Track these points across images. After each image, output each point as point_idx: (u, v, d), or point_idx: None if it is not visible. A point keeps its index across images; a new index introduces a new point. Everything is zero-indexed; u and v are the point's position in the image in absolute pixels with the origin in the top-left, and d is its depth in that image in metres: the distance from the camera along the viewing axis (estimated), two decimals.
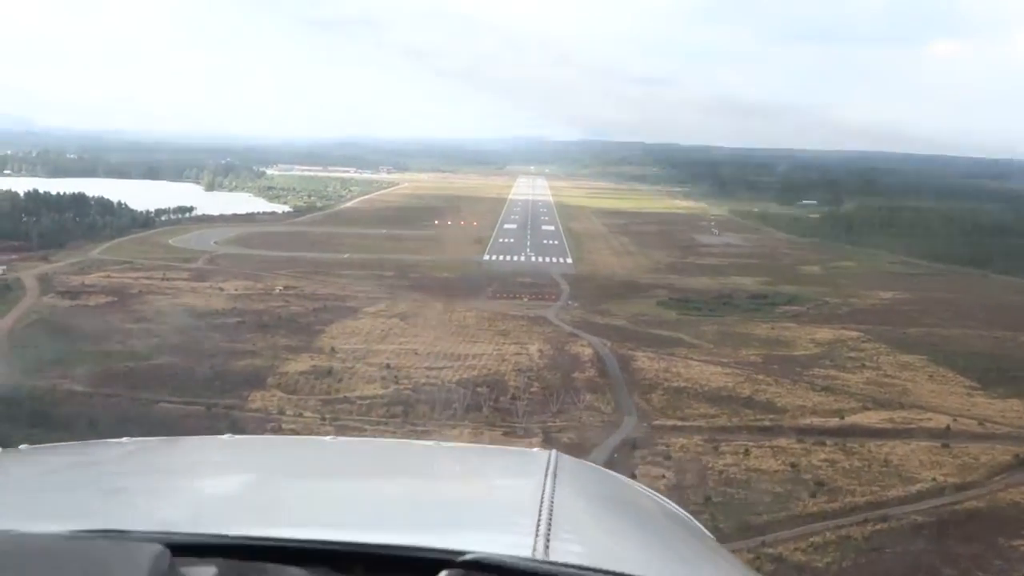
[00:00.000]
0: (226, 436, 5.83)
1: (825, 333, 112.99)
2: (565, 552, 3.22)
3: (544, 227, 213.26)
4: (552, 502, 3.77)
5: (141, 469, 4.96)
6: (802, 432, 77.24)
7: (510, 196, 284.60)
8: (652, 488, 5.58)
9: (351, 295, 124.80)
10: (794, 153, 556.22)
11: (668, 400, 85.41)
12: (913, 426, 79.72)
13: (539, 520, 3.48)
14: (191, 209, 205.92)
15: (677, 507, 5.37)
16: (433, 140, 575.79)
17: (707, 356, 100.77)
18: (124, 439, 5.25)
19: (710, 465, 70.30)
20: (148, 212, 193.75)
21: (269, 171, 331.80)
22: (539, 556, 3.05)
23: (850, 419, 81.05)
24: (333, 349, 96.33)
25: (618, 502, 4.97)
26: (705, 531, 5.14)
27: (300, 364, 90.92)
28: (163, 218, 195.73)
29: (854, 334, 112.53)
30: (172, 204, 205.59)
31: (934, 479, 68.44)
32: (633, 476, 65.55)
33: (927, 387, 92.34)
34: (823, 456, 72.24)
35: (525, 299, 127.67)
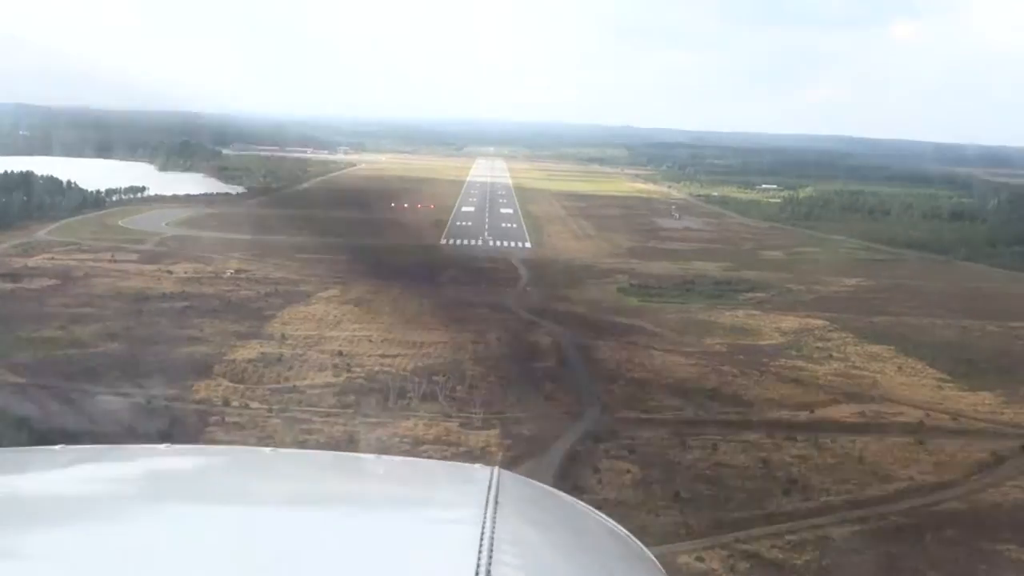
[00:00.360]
0: (163, 446, 5.47)
1: (790, 321, 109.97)
2: None
3: (503, 210, 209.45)
4: (494, 530, 3.69)
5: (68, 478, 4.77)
6: (771, 426, 73.89)
7: (468, 178, 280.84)
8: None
9: (303, 279, 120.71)
10: (756, 137, 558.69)
11: (631, 392, 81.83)
12: (885, 420, 76.66)
13: (480, 553, 3.40)
14: (143, 189, 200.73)
15: (619, 527, 5.09)
16: (393, 120, 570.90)
17: (670, 345, 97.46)
18: (58, 447, 5.10)
19: (677, 460, 66.84)
20: (99, 192, 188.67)
21: (225, 151, 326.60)
22: None
23: (820, 413, 77.88)
24: (284, 336, 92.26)
25: (561, 525, 4.84)
26: (646, 552, 4.94)
27: (249, 351, 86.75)
28: (114, 198, 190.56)
29: (819, 323, 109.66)
30: (124, 184, 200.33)
31: (911, 478, 65.27)
32: (597, 470, 62.38)
33: (897, 379, 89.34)
34: (795, 452, 68.82)
35: (483, 285, 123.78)
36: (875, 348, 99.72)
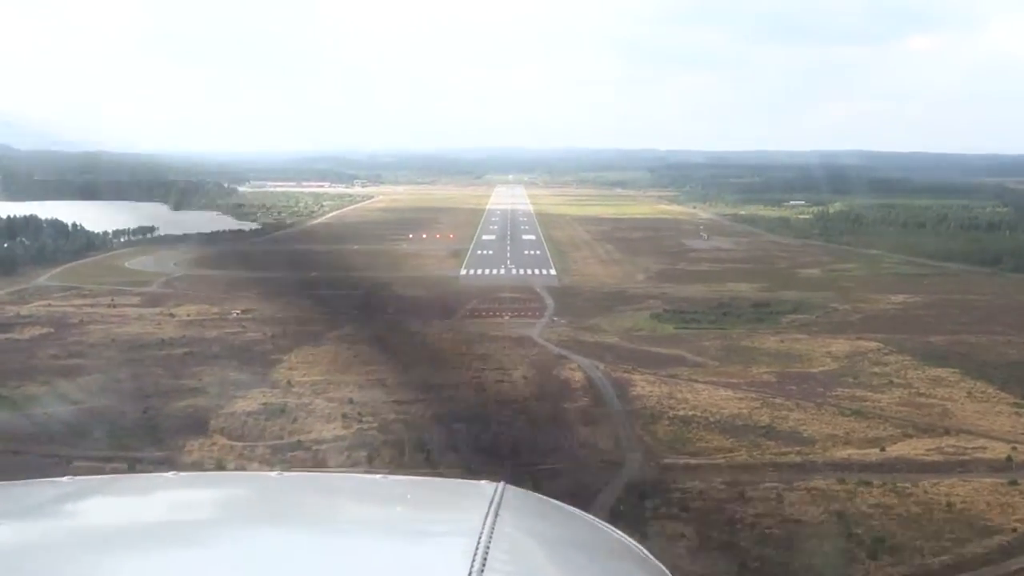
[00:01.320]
0: (170, 474, 5.51)
1: (841, 345, 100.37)
2: None
3: (524, 236, 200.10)
4: (490, 542, 3.74)
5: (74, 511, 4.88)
6: (840, 469, 64.21)
7: (488, 206, 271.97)
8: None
9: (315, 318, 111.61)
10: (774, 155, 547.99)
11: (676, 432, 72.37)
12: (967, 457, 66.76)
13: (473, 560, 3.46)
14: (153, 229, 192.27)
15: (630, 540, 5.09)
16: (410, 152, 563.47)
17: (714, 376, 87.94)
18: (65, 478, 5.19)
19: (738, 517, 57.04)
20: (106, 234, 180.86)
21: (241, 188, 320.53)
22: None
23: (892, 450, 68.07)
24: (290, 383, 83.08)
25: (564, 538, 4.87)
26: (659, 565, 4.89)
27: (250, 402, 77.56)
28: (122, 239, 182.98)
29: (872, 345, 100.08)
30: (134, 225, 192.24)
31: (1014, 529, 55.27)
32: (644, 535, 52.24)
33: (969, 407, 79.53)
34: (872, 500, 58.98)
35: (506, 316, 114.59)
36: (937, 371, 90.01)
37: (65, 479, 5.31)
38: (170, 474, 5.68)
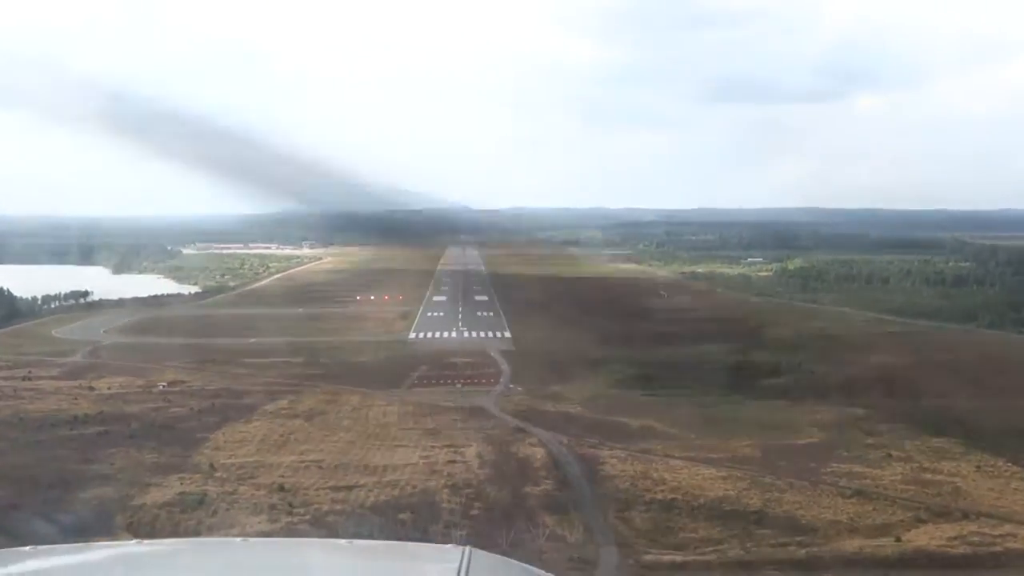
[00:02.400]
0: (133, 542, 6.18)
1: (826, 412, 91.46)
2: None
3: (477, 297, 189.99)
4: None
5: None
6: (852, 565, 54.33)
7: (439, 267, 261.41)
8: None
9: (249, 389, 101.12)
10: (725, 212, 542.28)
11: (656, 520, 62.37)
12: (996, 548, 56.97)
13: None
14: (86, 294, 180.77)
15: None
16: (361, 212, 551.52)
17: (692, 451, 78.14)
18: (27, 548, 5.09)
19: None
20: (35, 299, 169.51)
21: (185, 250, 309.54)
22: None
23: (909, 540, 58.18)
24: (212, 466, 72.14)
25: None
26: None
27: (165, 491, 66.53)
28: (52, 305, 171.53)
29: (860, 411, 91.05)
30: (66, 289, 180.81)
31: None
32: None
33: (982, 484, 70.23)
34: None
35: (458, 384, 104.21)
36: (937, 442, 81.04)
37: (27, 548, 4.98)
38: (134, 542, 5.95)
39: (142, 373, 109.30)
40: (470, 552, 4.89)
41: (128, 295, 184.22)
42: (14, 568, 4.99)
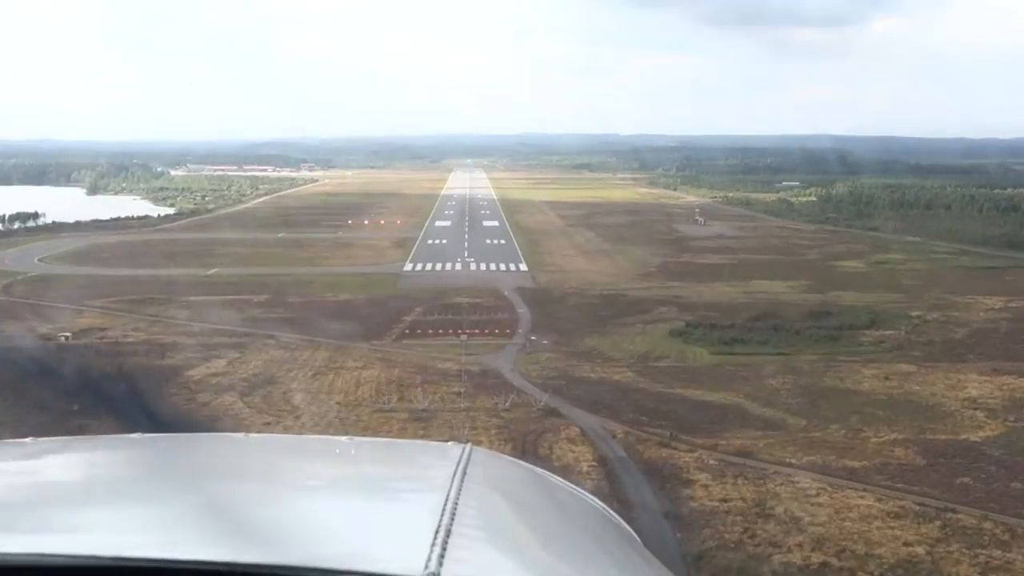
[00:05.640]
0: (136, 435, 5.11)
1: (979, 381, 62.89)
2: (460, 565, 3.06)
3: (486, 223, 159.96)
4: (456, 506, 3.57)
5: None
6: None
7: (443, 190, 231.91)
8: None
9: (181, 342, 72.96)
10: (739, 139, 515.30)
11: None
12: None
13: (439, 527, 3.28)
14: (36, 216, 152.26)
15: (598, 502, 4.89)
16: (364, 137, 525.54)
17: (814, 453, 49.54)
18: (28, 439, 4.87)
19: None
20: None
21: (175, 172, 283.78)
22: (432, 571, 2.88)
23: None
24: None
25: (532, 497, 4.62)
26: (627, 528, 4.78)
27: None
28: None
29: None
30: (15, 210, 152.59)
31: None
32: None
33: None
34: None
35: (463, 335, 75.25)
36: None
37: (28, 440, 4.67)
38: (135, 435, 5.07)
39: (53, 316, 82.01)
40: (470, 449, 4.40)
41: (89, 218, 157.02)
42: (18, 458, 4.56)
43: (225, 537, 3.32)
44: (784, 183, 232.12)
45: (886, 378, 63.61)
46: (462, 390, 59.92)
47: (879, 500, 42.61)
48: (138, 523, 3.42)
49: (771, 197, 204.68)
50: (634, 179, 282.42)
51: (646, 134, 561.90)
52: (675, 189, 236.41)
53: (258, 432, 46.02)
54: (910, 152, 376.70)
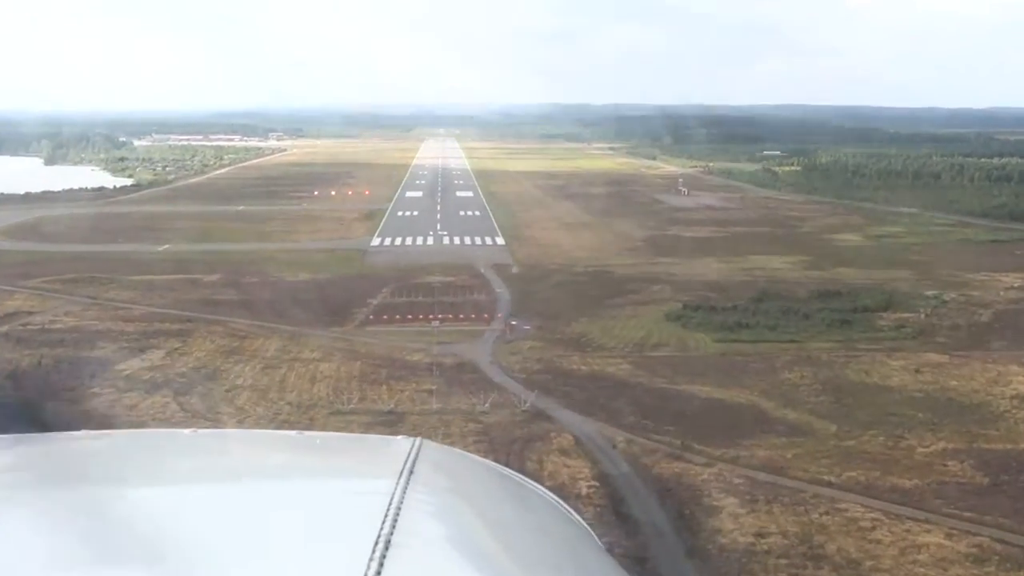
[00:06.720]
0: (80, 432, 5.15)
1: (1021, 375, 54.35)
2: (400, 571, 2.98)
3: (460, 193, 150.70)
4: (403, 498, 3.55)
5: None
6: None
7: (415, 160, 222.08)
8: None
9: (116, 328, 64.20)
10: (713, 109, 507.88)
11: None
12: None
13: (379, 535, 3.17)
14: None
15: (552, 496, 4.78)
16: (336, 107, 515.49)
17: (855, 468, 41.22)
18: None
19: None
20: None
21: (139, 142, 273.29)
22: None
23: None
24: None
25: (483, 492, 4.57)
26: (581, 522, 4.66)
27: None
28: None
29: None
30: None
31: None
32: None
33: None
34: None
35: (435, 320, 66.54)
36: None
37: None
38: (80, 432, 5.08)
39: None
40: (420, 443, 4.32)
41: (37, 190, 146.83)
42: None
43: (121, 557, 3.05)
44: (766, 152, 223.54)
45: (917, 371, 55.28)
46: (434, 387, 51.34)
47: (949, 537, 34.21)
48: (82, 524, 3.21)
49: (753, 167, 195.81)
50: (611, 149, 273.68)
51: (620, 103, 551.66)
52: (654, 159, 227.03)
53: None
54: (885, 122, 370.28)
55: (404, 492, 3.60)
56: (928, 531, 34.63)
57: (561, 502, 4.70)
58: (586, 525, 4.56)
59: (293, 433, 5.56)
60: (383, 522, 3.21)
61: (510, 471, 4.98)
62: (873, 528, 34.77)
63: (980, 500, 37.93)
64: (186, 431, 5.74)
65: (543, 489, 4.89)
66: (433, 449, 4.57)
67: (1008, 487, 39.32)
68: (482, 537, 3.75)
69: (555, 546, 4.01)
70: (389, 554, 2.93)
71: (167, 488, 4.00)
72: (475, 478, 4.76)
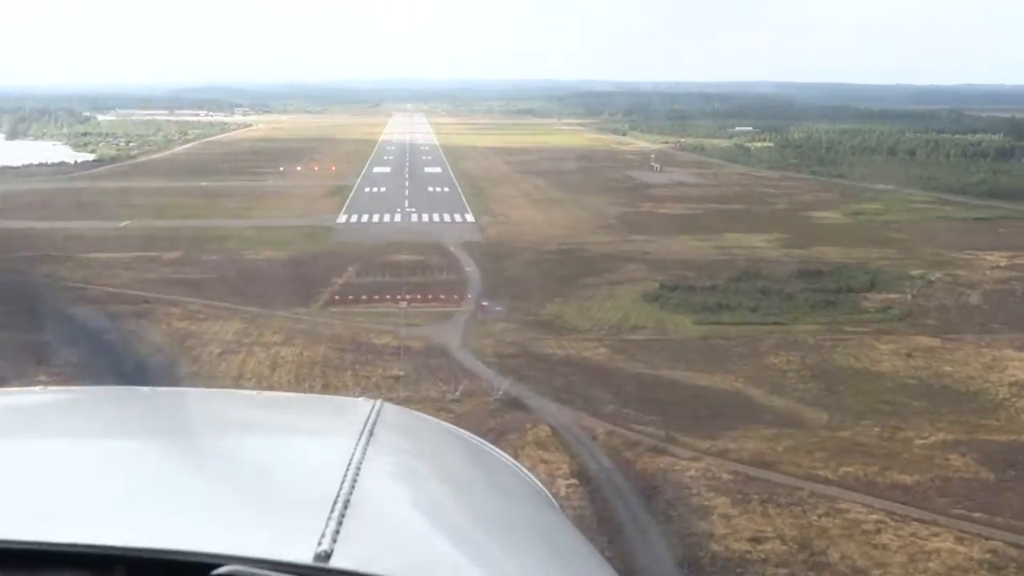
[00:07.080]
0: (38, 388, 4.42)
1: (1017, 360, 52.24)
2: (358, 539, 2.81)
3: (428, 169, 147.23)
4: (363, 458, 3.36)
5: None
6: None
7: (383, 135, 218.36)
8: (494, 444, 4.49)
9: (70, 311, 60.57)
10: (683, 85, 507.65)
11: None
12: None
13: (337, 496, 3.00)
14: None
15: (512, 460, 4.43)
16: (303, 83, 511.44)
17: (850, 461, 38.54)
18: None
19: None
20: None
21: (102, 117, 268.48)
22: (324, 548, 2.60)
23: None
24: None
25: (442, 454, 4.27)
26: (539, 484, 4.34)
27: None
28: None
29: None
30: None
31: None
32: None
33: None
34: None
35: (401, 300, 63.63)
36: None
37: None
38: (38, 388, 4.43)
39: None
40: (381, 405, 3.99)
41: (4, 164, 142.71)
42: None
43: (70, 512, 2.89)
44: (737, 128, 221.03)
45: (908, 355, 52.70)
46: (401, 374, 48.38)
47: (960, 541, 31.48)
48: (45, 481, 3.09)
49: (725, 143, 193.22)
50: (581, 124, 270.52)
51: (587, 79, 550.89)
52: (624, 135, 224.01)
53: None
54: (856, 99, 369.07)
55: (364, 452, 3.36)
56: (936, 534, 31.89)
57: (519, 465, 4.24)
58: (544, 487, 4.14)
59: (253, 393, 5.00)
60: (342, 481, 3.01)
61: (470, 435, 4.42)
62: (877, 531, 32.01)
63: (988, 498, 35.27)
64: (144, 388, 4.91)
65: (502, 453, 4.38)
66: (393, 411, 4.14)
67: (1016, 484, 36.68)
68: (442, 496, 3.53)
69: (513, 506, 3.75)
70: (348, 512, 2.81)
71: (120, 443, 3.58)
72: (435, 440, 4.33)
